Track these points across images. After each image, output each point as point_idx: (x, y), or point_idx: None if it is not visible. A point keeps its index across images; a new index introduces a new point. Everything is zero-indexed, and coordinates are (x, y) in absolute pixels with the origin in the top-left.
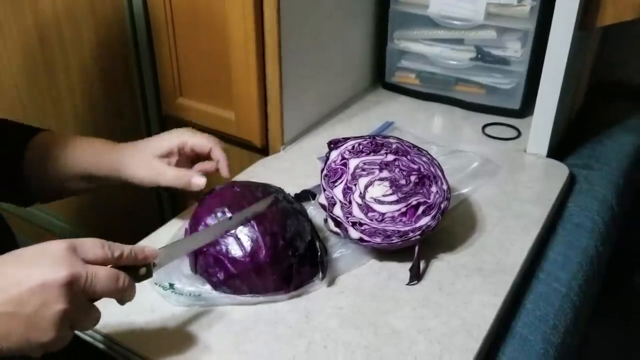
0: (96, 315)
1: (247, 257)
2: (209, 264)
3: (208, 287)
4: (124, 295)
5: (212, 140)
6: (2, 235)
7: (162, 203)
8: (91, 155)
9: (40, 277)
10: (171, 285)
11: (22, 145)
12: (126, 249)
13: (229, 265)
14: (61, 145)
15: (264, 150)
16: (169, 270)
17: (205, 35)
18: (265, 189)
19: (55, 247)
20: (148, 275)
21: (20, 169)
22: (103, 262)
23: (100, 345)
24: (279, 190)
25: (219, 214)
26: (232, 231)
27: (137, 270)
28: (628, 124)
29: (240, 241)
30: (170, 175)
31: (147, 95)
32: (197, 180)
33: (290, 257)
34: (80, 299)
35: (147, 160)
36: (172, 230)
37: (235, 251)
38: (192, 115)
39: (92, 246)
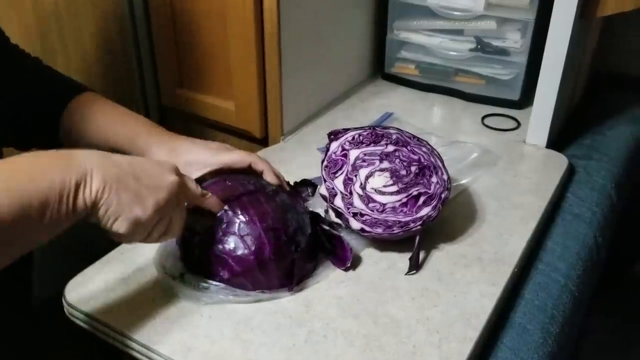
0: (167, 232)
1: (251, 254)
2: (212, 263)
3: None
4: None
5: (251, 155)
6: None
7: None
8: (125, 134)
9: (162, 169)
10: (181, 275)
11: (65, 100)
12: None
13: (233, 264)
14: (100, 112)
15: (264, 141)
16: (175, 261)
17: (205, 25)
18: (258, 182)
19: (171, 163)
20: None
21: (57, 123)
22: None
23: (102, 335)
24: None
25: None
26: (234, 229)
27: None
28: (627, 114)
29: (244, 239)
30: None
31: (147, 86)
32: None
33: (292, 252)
34: (173, 204)
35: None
36: None
37: (240, 249)
38: (191, 106)
39: (191, 181)
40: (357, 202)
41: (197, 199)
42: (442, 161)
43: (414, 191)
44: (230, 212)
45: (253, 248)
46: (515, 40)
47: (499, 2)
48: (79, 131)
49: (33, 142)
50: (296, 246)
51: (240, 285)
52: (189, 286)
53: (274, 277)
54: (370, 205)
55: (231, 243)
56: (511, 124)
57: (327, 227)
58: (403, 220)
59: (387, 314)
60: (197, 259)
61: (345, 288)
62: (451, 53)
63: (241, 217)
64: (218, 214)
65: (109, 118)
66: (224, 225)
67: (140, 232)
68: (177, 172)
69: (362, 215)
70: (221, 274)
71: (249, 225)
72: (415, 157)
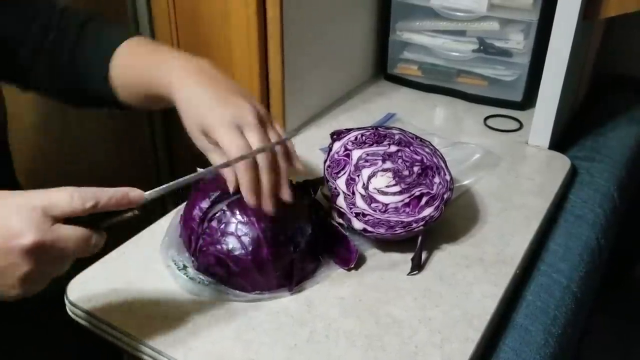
0: (65, 266)
1: (248, 255)
2: (210, 263)
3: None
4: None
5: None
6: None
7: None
8: (160, 77)
9: (4, 241)
10: (185, 267)
11: (111, 49)
12: (103, 197)
13: (230, 263)
14: (143, 55)
15: None
16: (184, 256)
17: (207, 25)
18: None
19: (24, 208)
20: (136, 215)
21: (107, 73)
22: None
23: (103, 334)
24: None
25: (214, 196)
26: (232, 230)
27: (122, 213)
28: (630, 116)
29: (241, 239)
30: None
31: None
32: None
33: (291, 253)
34: (46, 260)
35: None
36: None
37: (237, 250)
38: None
39: (60, 202)
40: (360, 202)
41: (85, 212)
42: (444, 162)
43: (416, 191)
44: (228, 212)
45: (250, 249)
46: (518, 41)
47: (501, 3)
48: (121, 87)
49: (89, 103)
50: (295, 247)
51: (239, 285)
52: (191, 279)
53: (272, 278)
54: (373, 205)
55: (229, 243)
56: (514, 125)
57: (336, 224)
58: (405, 220)
59: (389, 314)
60: (197, 257)
61: (347, 288)
62: (454, 54)
63: (239, 217)
64: (217, 214)
65: (140, 66)
66: (222, 225)
67: (33, 287)
68: (37, 225)
69: (364, 215)
70: (219, 274)
71: (246, 225)
72: (418, 158)
